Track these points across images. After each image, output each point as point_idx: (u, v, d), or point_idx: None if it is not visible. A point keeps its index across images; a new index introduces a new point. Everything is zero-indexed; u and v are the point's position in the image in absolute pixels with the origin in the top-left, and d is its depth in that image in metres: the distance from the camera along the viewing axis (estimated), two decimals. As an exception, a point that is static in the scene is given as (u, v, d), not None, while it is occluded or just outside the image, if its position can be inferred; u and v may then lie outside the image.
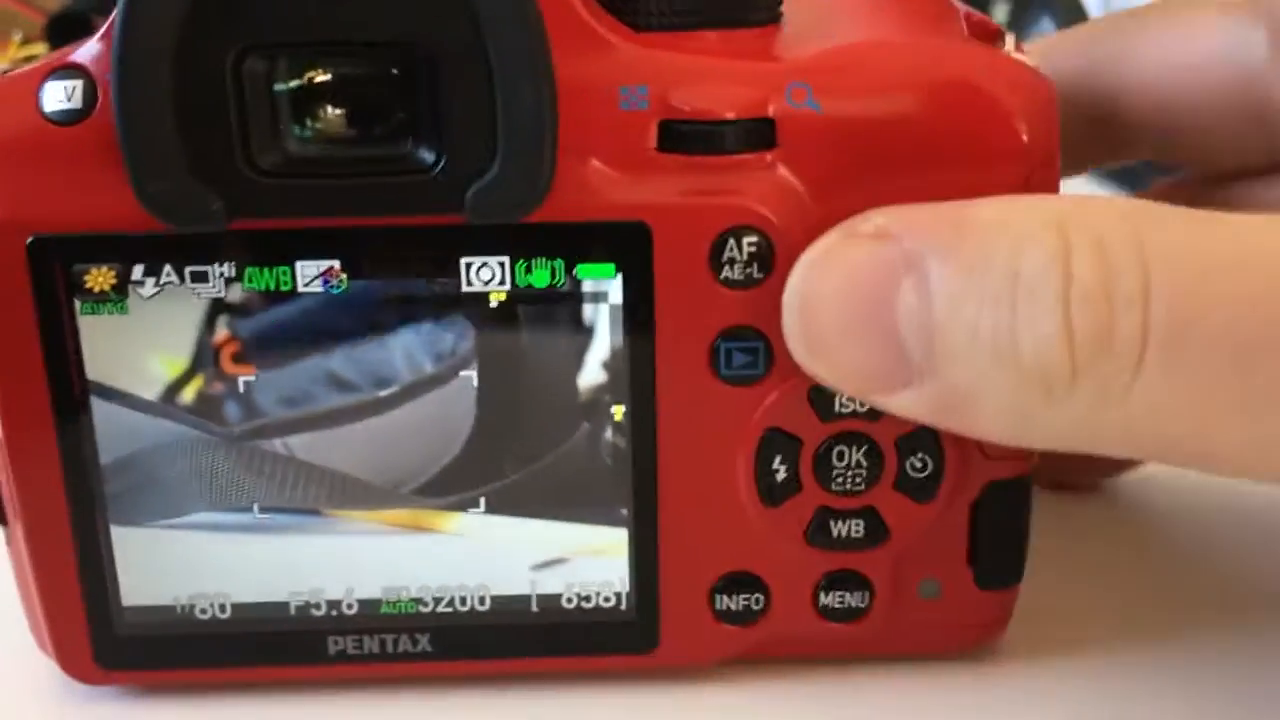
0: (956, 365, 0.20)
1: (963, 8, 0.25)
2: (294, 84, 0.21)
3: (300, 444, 0.24)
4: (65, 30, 0.51)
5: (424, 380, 0.23)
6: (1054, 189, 0.23)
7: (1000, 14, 0.74)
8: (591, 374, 0.23)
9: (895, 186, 0.22)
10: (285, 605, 0.25)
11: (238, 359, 0.23)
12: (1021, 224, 0.20)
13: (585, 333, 0.23)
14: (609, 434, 0.24)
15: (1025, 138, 0.22)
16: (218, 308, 0.23)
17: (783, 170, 0.22)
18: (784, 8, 0.24)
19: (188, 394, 0.23)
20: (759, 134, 0.22)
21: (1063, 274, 0.19)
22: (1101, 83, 0.28)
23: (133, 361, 0.23)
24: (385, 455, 0.24)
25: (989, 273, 0.20)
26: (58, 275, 0.22)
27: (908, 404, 0.21)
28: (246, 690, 0.25)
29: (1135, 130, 0.28)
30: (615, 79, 0.22)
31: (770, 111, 0.22)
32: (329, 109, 0.21)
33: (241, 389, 0.23)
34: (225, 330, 0.23)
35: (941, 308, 0.20)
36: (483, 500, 0.24)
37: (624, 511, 0.24)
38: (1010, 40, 0.23)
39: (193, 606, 0.25)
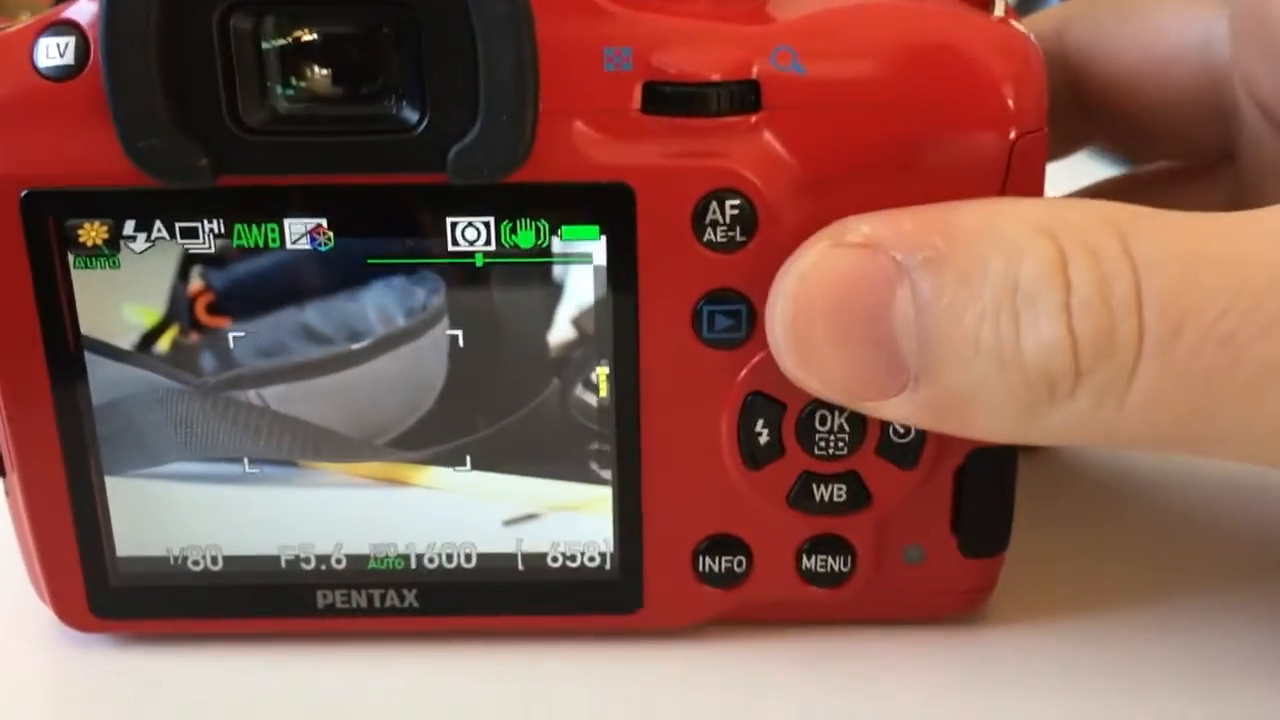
0: (956, 371, 0.21)
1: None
2: (281, 42, 0.21)
3: (275, 395, 0.24)
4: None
5: (397, 334, 0.24)
6: (1041, 156, 0.22)
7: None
8: (572, 334, 0.24)
9: (880, 151, 0.22)
10: (275, 559, 0.25)
11: (212, 309, 0.23)
12: (1011, 232, 0.20)
13: (568, 293, 0.23)
14: (585, 393, 0.24)
15: (1011, 103, 0.22)
16: (192, 259, 0.23)
17: (767, 133, 0.22)
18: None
19: (163, 344, 0.24)
20: (743, 96, 0.22)
21: (1062, 282, 0.20)
22: (1070, 69, 0.29)
23: (124, 310, 0.23)
24: (359, 408, 0.24)
25: (986, 281, 0.20)
26: (51, 229, 0.23)
27: (902, 409, 0.22)
28: (237, 640, 0.26)
29: (1097, 119, 0.29)
30: (599, 40, 0.22)
31: (755, 74, 0.22)
32: (315, 67, 0.22)
33: (216, 340, 0.24)
34: (199, 281, 0.23)
35: (939, 316, 0.20)
36: (456, 455, 0.24)
37: (604, 470, 0.24)
38: (1001, 4, 0.23)
39: (185, 558, 0.25)
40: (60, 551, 0.25)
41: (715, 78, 0.22)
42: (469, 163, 0.22)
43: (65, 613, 0.26)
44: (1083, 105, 0.30)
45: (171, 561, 0.25)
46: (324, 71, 0.22)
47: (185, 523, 0.25)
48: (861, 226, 0.21)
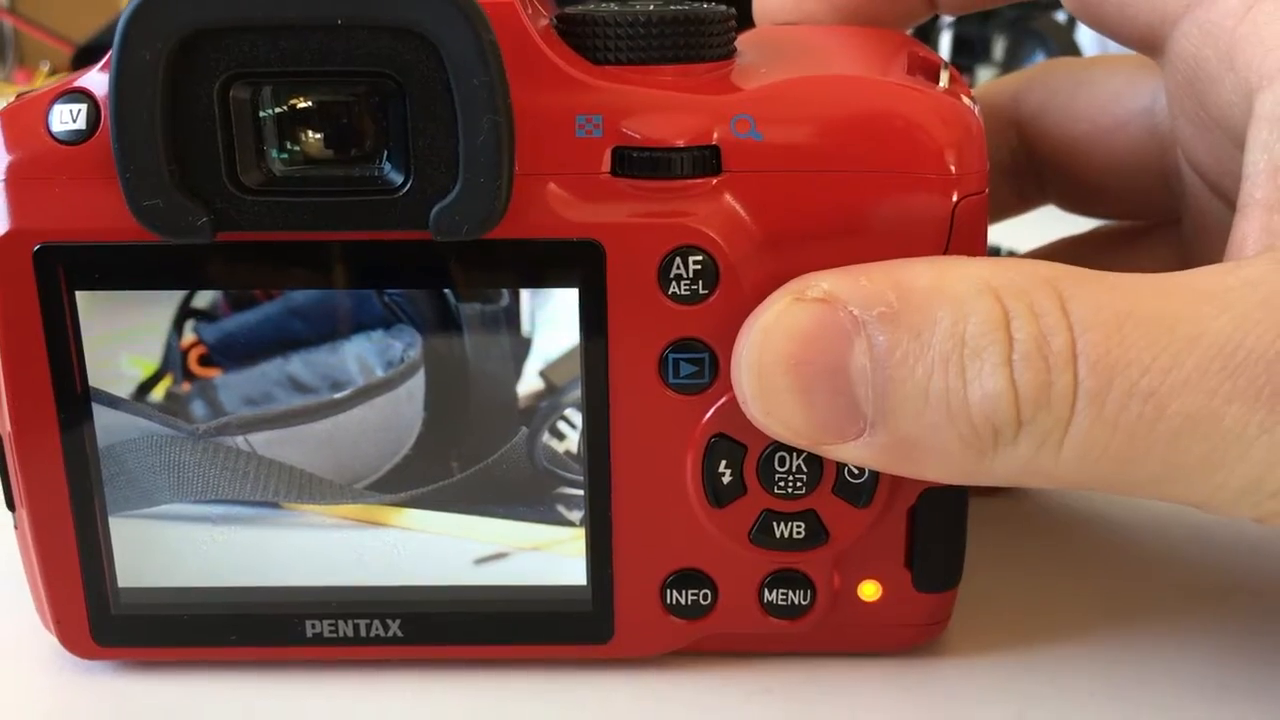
0: (908, 419, 0.22)
1: (910, 45, 0.27)
2: (277, 110, 0.23)
3: (261, 441, 0.26)
4: (90, 61, 0.54)
5: (376, 384, 0.25)
6: (982, 218, 0.24)
7: (998, 49, 0.76)
8: (540, 384, 0.25)
9: (832, 212, 0.24)
10: (265, 591, 0.27)
11: (204, 361, 0.25)
12: (959, 289, 0.22)
13: (539, 345, 0.25)
14: (552, 440, 0.26)
15: (953, 168, 0.24)
16: (187, 313, 0.25)
17: (727, 195, 0.24)
18: (741, 43, 0.26)
19: (158, 392, 0.25)
20: (705, 161, 0.24)
21: (1005, 338, 0.22)
22: (1025, 132, 0.30)
23: (122, 362, 0.25)
24: (340, 453, 0.26)
25: (935, 336, 0.22)
26: (61, 281, 0.24)
27: (858, 453, 0.23)
28: (232, 667, 0.27)
29: (1050, 179, 0.30)
30: (572, 108, 0.24)
31: (715, 140, 0.24)
32: (309, 133, 0.23)
33: (206, 389, 0.25)
34: (193, 334, 0.25)
35: (893, 368, 0.22)
36: (430, 498, 0.26)
37: (572, 512, 0.26)
38: (946, 75, 0.25)
39: (183, 589, 0.27)
40: (65, 583, 0.27)
41: (679, 143, 0.24)
42: (449, 221, 0.23)
43: (69, 640, 0.27)
44: (1037, 166, 0.31)
45: (169, 593, 0.27)
46: (316, 136, 0.23)
47: (182, 557, 0.27)
48: (821, 283, 0.23)
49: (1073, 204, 0.32)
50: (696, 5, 0.25)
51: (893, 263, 0.23)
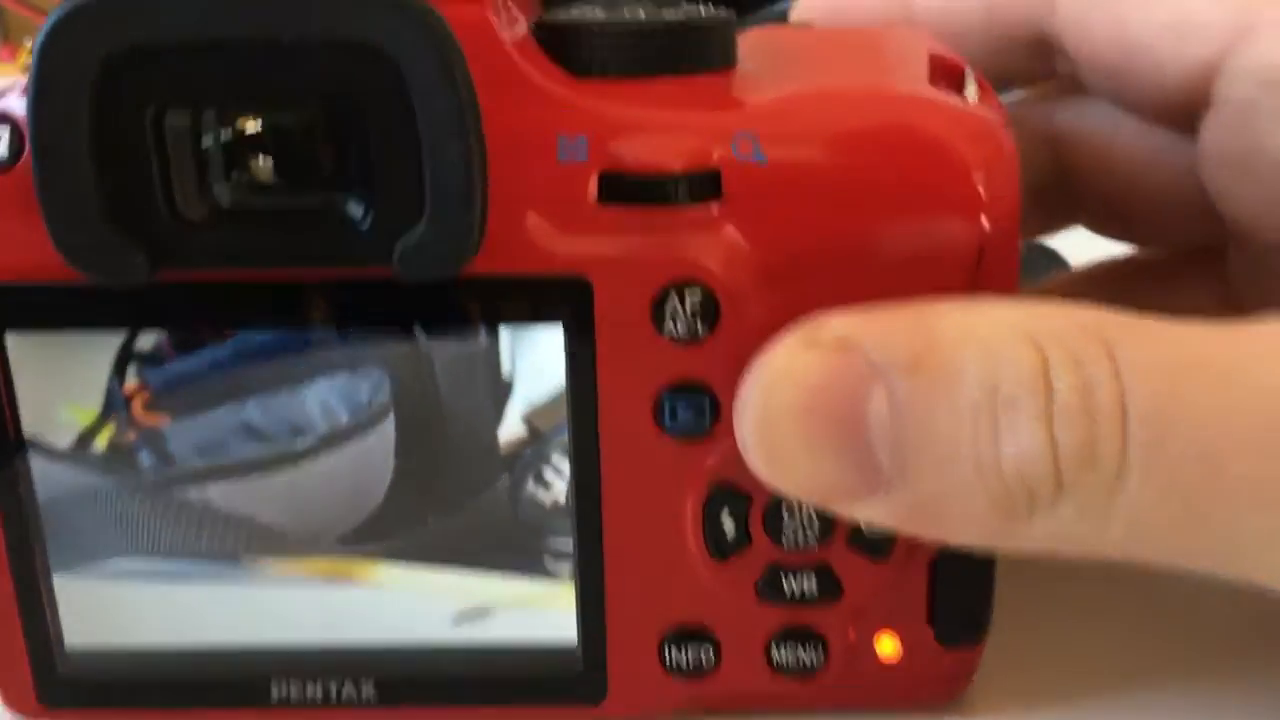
0: (932, 476, 0.20)
1: (931, 45, 0.24)
2: (220, 136, 0.21)
3: (217, 493, 0.23)
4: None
5: (341, 431, 0.23)
6: (1014, 247, 0.22)
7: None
8: (523, 430, 0.23)
9: (845, 240, 0.21)
10: (226, 651, 0.24)
11: (149, 407, 0.23)
12: (991, 335, 0.20)
13: (520, 388, 0.23)
14: (537, 488, 0.23)
15: (982, 191, 0.21)
16: (128, 356, 0.22)
17: (728, 223, 0.21)
18: (743, 47, 0.23)
19: (100, 442, 0.23)
20: (703, 186, 0.21)
21: (1043, 388, 0.19)
22: (1062, 147, 0.28)
23: (60, 409, 0.23)
24: (304, 505, 0.23)
25: (964, 386, 0.19)
26: (-13, 323, 0.22)
27: (874, 512, 0.21)
28: (191, 732, 0.25)
29: (1084, 201, 0.28)
30: (552, 129, 0.21)
31: (715, 163, 0.21)
32: (255, 161, 0.21)
33: (154, 438, 0.23)
34: (136, 379, 0.23)
35: (915, 420, 0.20)
36: (405, 551, 0.24)
37: (560, 564, 0.24)
38: (973, 86, 0.22)
39: (135, 649, 0.24)
40: (7, 642, 0.24)
41: (674, 168, 0.21)
42: (416, 258, 0.21)
43: (14, 702, 0.25)
44: (1071, 187, 0.29)
45: (121, 654, 0.25)
46: (265, 164, 0.21)
47: (135, 616, 0.24)
48: (835, 326, 0.20)
49: (1109, 229, 0.29)
50: (693, 10, 0.22)
51: (916, 305, 0.20)
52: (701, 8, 0.22)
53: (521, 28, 0.22)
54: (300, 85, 0.20)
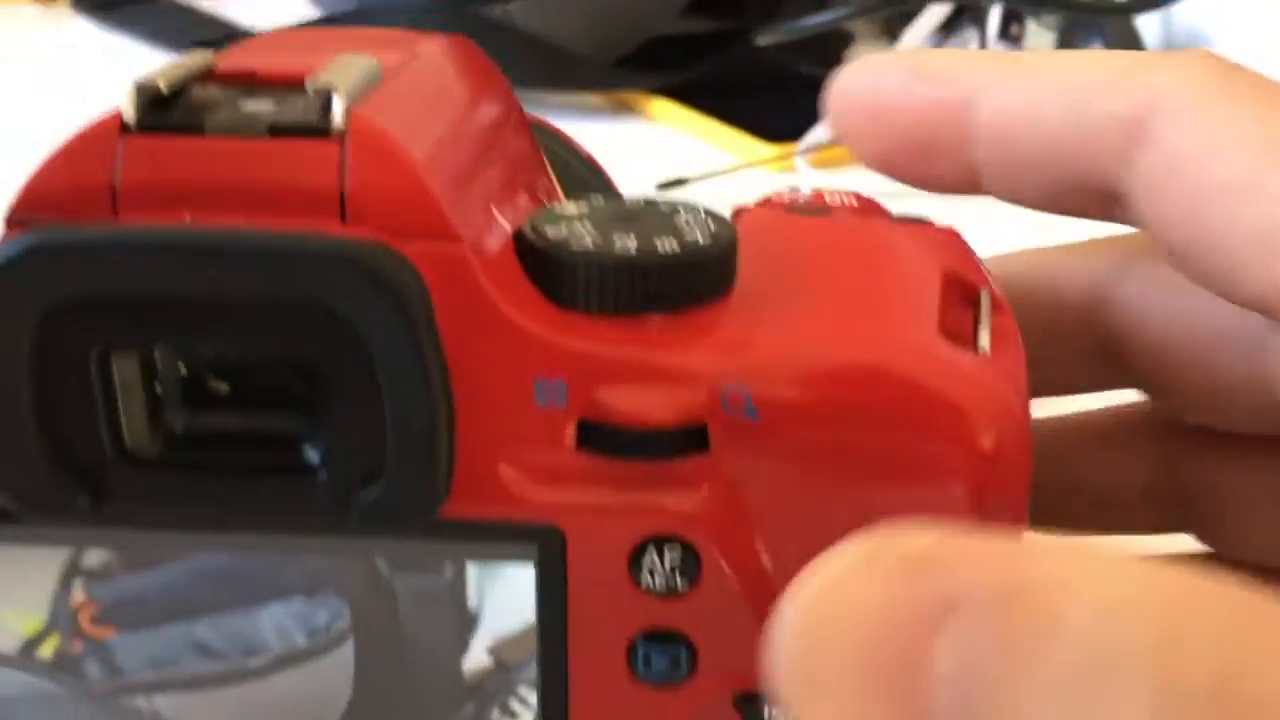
0: None
1: (947, 256, 0.23)
2: (170, 376, 0.19)
3: (167, 705, 0.22)
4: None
5: (297, 653, 0.22)
6: (1021, 516, 0.20)
7: (1046, 39, 0.70)
8: (488, 661, 0.22)
9: (838, 504, 0.20)
10: None
11: (97, 621, 0.22)
12: (1103, 588, 0.15)
13: (485, 622, 0.21)
14: (506, 717, 0.22)
15: (987, 465, 0.20)
16: (75, 570, 0.21)
17: (713, 478, 0.20)
18: (743, 238, 0.21)
19: (45, 650, 0.22)
20: (688, 441, 0.20)
21: (1153, 664, 0.15)
22: (1115, 318, 0.25)
23: (4, 615, 0.22)
24: None
25: (1058, 649, 0.15)
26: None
27: None
28: None
29: (1141, 377, 0.26)
30: (529, 372, 0.20)
31: (703, 417, 0.20)
32: (204, 401, 0.19)
33: (101, 650, 0.22)
34: (82, 593, 0.21)
35: (991, 682, 0.15)
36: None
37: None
38: (986, 335, 0.21)
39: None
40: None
41: (658, 422, 0.20)
42: (375, 511, 0.19)
43: None
44: (1122, 358, 0.26)
45: None
46: (216, 410, 0.19)
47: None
48: (911, 541, 0.16)
49: (1165, 396, 0.27)
50: (691, 235, 0.20)
51: (1010, 538, 0.17)
52: (699, 231, 0.21)
53: (503, 234, 0.20)
54: (250, 342, 0.18)
